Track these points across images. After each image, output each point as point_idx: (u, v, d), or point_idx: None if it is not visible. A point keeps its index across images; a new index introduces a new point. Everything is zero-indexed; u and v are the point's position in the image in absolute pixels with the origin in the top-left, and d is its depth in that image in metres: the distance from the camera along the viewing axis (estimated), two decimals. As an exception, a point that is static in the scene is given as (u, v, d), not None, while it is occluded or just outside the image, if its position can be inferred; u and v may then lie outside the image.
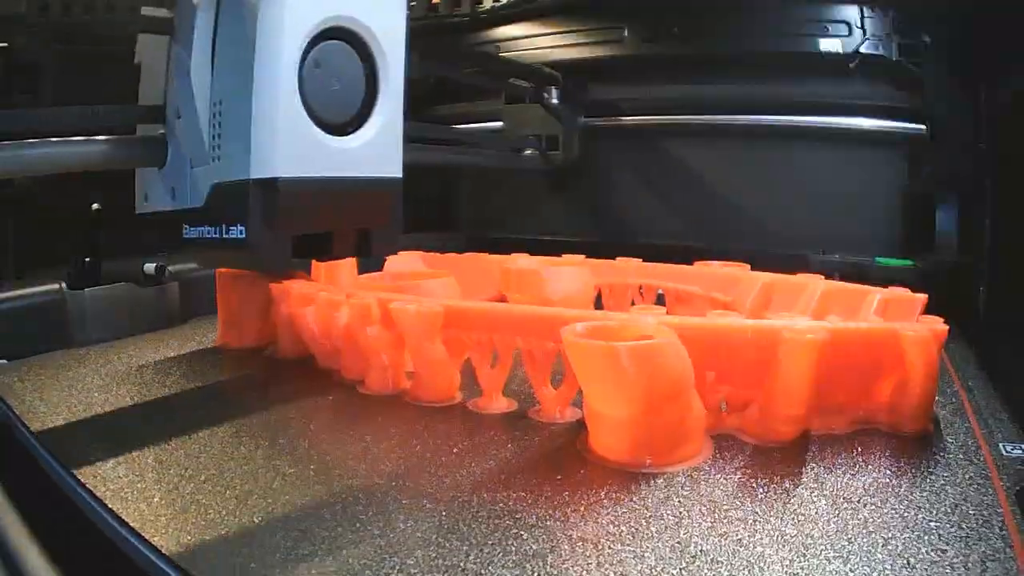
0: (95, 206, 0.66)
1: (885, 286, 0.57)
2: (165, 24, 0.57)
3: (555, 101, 1.04)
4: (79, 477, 0.36)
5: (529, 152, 1.04)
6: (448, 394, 0.45)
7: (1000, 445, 0.38)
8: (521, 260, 0.72)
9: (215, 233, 0.51)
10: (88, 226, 0.66)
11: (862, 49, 0.91)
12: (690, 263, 0.77)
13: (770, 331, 0.38)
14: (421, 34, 1.13)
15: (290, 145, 0.48)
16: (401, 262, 0.77)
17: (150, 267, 0.69)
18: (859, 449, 0.38)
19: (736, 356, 0.39)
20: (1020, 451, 0.38)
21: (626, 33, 1.03)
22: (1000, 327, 0.66)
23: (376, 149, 0.54)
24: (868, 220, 0.94)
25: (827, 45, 0.93)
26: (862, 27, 0.92)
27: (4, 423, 0.46)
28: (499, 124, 1.09)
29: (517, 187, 1.13)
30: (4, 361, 0.58)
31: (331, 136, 0.51)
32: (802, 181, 0.98)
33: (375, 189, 0.54)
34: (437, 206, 1.18)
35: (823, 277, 0.60)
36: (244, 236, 0.49)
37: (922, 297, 0.54)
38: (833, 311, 0.54)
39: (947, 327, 0.41)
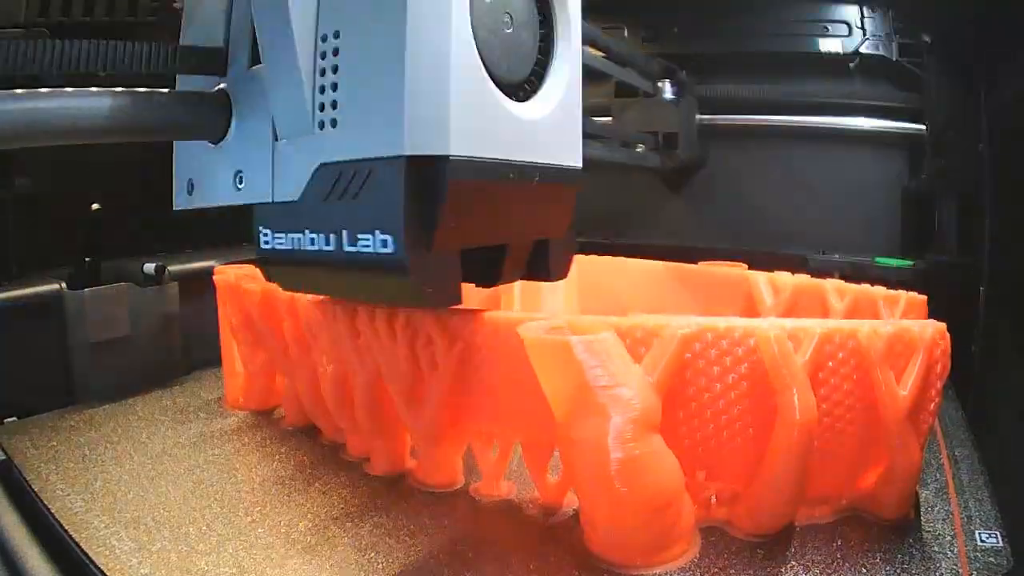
0: (95, 206, 0.66)
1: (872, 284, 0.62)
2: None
3: (669, 95, 0.96)
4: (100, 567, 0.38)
5: (641, 149, 0.95)
6: (451, 481, 0.47)
7: (976, 533, 0.40)
8: None
9: (327, 244, 0.34)
10: (88, 226, 0.66)
11: (862, 49, 0.90)
12: (694, 263, 0.78)
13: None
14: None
15: (465, 107, 0.33)
16: None
17: (150, 267, 0.70)
18: (839, 542, 0.40)
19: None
20: (994, 540, 0.40)
21: (625, 33, 1.01)
22: (998, 338, 0.67)
23: (557, 124, 0.38)
24: (868, 220, 0.95)
25: (827, 45, 0.92)
26: (862, 27, 0.90)
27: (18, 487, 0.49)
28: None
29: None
30: (14, 419, 0.60)
31: (510, 100, 0.36)
32: (802, 181, 0.98)
33: (558, 182, 0.39)
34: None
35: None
36: (393, 250, 0.32)
37: (922, 298, 0.58)
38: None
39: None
